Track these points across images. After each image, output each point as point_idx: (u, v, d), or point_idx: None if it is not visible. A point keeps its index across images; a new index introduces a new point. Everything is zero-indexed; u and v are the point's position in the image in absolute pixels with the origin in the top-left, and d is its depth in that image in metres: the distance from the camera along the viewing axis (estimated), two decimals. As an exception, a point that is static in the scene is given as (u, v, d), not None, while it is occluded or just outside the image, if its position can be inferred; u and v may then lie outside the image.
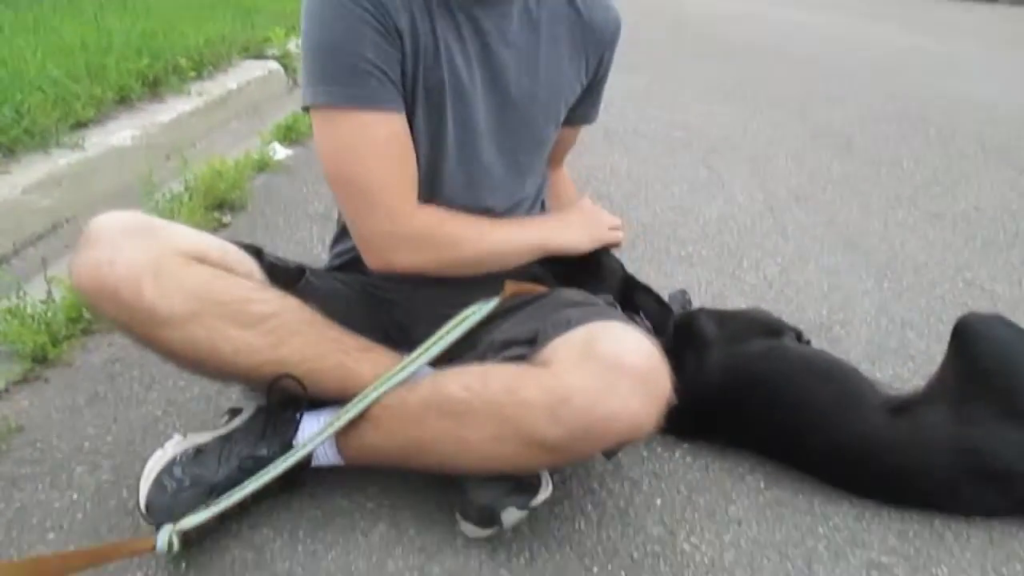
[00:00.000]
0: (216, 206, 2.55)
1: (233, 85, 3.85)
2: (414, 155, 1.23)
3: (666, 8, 8.33)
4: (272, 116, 3.72)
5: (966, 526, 1.26)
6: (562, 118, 1.40)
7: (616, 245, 1.49)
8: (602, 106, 1.48)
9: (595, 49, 1.37)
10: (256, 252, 1.27)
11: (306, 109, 1.20)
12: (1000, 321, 1.36)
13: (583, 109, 1.45)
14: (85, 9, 4.82)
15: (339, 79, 1.16)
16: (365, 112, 1.17)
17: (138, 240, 1.09)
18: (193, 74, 3.72)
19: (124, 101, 3.14)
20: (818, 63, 5.59)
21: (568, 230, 1.38)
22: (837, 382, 1.36)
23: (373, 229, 1.24)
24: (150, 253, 1.08)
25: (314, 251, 2.26)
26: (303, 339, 1.17)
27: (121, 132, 2.82)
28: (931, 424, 1.26)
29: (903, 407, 1.30)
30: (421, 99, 1.21)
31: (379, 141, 1.19)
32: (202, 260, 1.15)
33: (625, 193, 2.80)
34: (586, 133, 1.55)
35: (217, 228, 2.44)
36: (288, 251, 2.27)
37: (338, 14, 1.14)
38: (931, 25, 8.45)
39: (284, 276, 1.27)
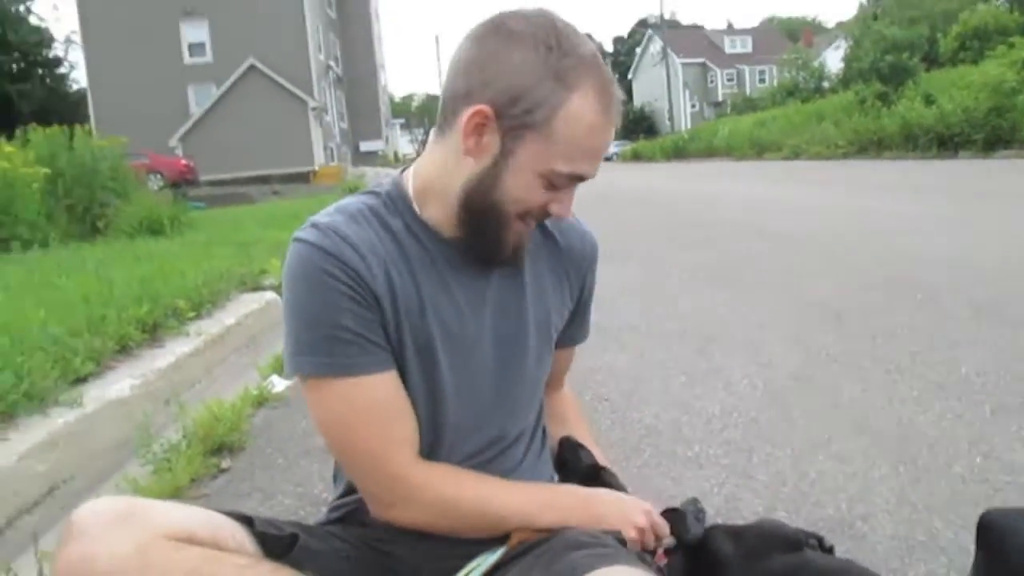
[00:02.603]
0: (215, 451, 2.53)
1: (231, 320, 3.94)
2: (409, 410, 1.23)
3: (647, 193, 8.70)
4: (270, 347, 3.78)
5: None
6: (554, 344, 1.41)
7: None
8: (593, 302, 1.49)
9: (576, 273, 1.40)
10: (247, 520, 1.23)
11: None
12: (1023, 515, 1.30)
13: (572, 330, 1.47)
14: (87, 261, 5.02)
15: (320, 350, 1.18)
16: (349, 379, 1.18)
17: (120, 530, 1.06)
18: (192, 315, 3.82)
19: (123, 350, 3.20)
20: (793, 236, 5.76)
21: (588, 516, 1.28)
22: (868, 596, 1.28)
23: (372, 489, 1.24)
24: (133, 543, 1.05)
25: (314, 490, 2.21)
26: (298, 617, 1.11)
27: (120, 383, 2.84)
28: (975, 637, 1.18)
29: (942, 619, 1.22)
30: (411, 355, 1.23)
31: (367, 406, 1.19)
32: (190, 540, 1.11)
33: (624, 392, 2.79)
34: None
35: (216, 474, 2.40)
36: (286, 492, 2.24)
37: (314, 287, 1.17)
38: (898, 187, 8.80)
39: (277, 545, 1.22)
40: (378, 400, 1.20)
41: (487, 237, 1.23)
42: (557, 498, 1.32)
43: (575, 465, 1.44)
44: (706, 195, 8.59)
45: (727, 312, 3.81)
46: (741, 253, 5.28)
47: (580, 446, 1.45)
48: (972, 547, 1.33)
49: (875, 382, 2.72)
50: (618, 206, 8.17)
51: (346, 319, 1.17)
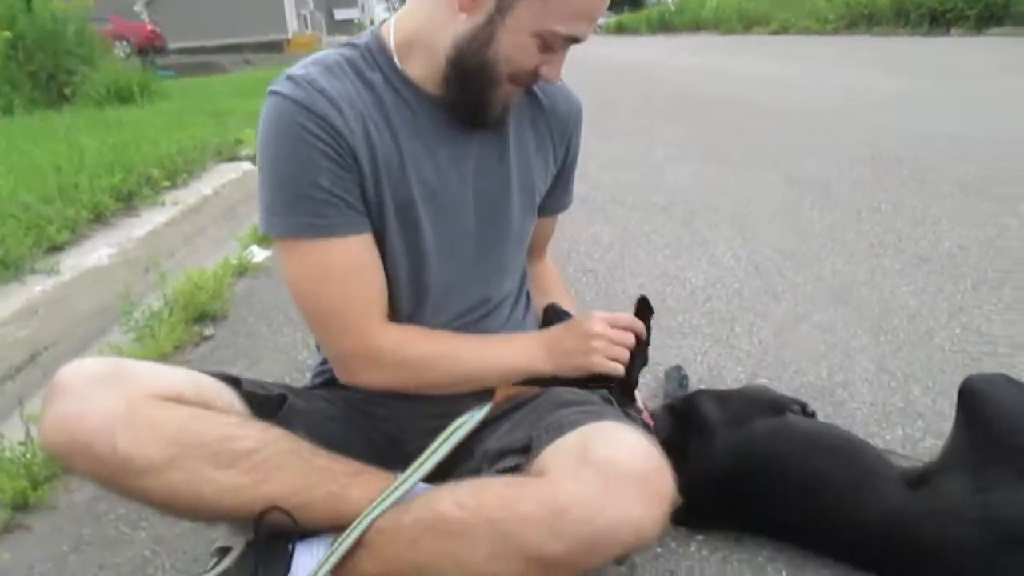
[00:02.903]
0: (197, 319, 2.51)
1: (208, 191, 3.86)
2: (380, 274, 1.22)
3: (632, 67, 8.48)
4: (248, 218, 3.71)
5: (1003, 600, 1.19)
6: (536, 209, 1.38)
7: (615, 378, 1.28)
8: (578, 174, 1.45)
9: (560, 136, 1.36)
10: (234, 382, 1.22)
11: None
12: (1006, 380, 1.32)
13: (555, 197, 1.44)
14: (57, 128, 4.86)
15: (295, 209, 1.14)
16: (323, 240, 1.15)
17: (107, 388, 1.04)
18: (167, 184, 3.73)
19: (99, 219, 3.13)
20: (785, 112, 5.67)
21: (556, 357, 1.27)
22: (849, 458, 1.31)
23: (341, 350, 1.24)
24: (121, 401, 1.04)
25: (299, 357, 2.22)
26: (289, 472, 1.11)
27: (97, 251, 2.80)
28: (951, 494, 1.21)
29: (920, 479, 1.25)
30: (391, 215, 1.19)
31: (340, 267, 1.17)
32: (177, 400, 1.10)
33: (609, 265, 2.78)
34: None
35: (199, 342, 2.40)
36: (273, 359, 2.24)
37: (290, 143, 1.12)
38: (888, 64, 8.63)
39: (265, 405, 1.22)
40: (351, 263, 1.18)
41: (474, 96, 1.18)
42: (524, 342, 1.32)
43: None
44: (693, 69, 8.38)
45: (714, 186, 3.77)
46: (728, 128, 5.20)
47: (565, 312, 1.44)
48: (949, 412, 1.35)
49: (860, 256, 2.73)
50: (603, 80, 7.97)
51: (323, 178, 1.12)
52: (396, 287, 1.24)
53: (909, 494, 1.23)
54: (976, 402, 1.28)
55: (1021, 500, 1.18)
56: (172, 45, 23.73)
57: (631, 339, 1.27)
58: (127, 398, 1.05)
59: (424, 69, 1.19)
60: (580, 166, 1.44)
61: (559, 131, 1.35)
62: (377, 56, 1.20)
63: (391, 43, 1.20)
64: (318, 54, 1.22)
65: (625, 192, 3.74)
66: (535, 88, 1.30)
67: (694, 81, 7.38)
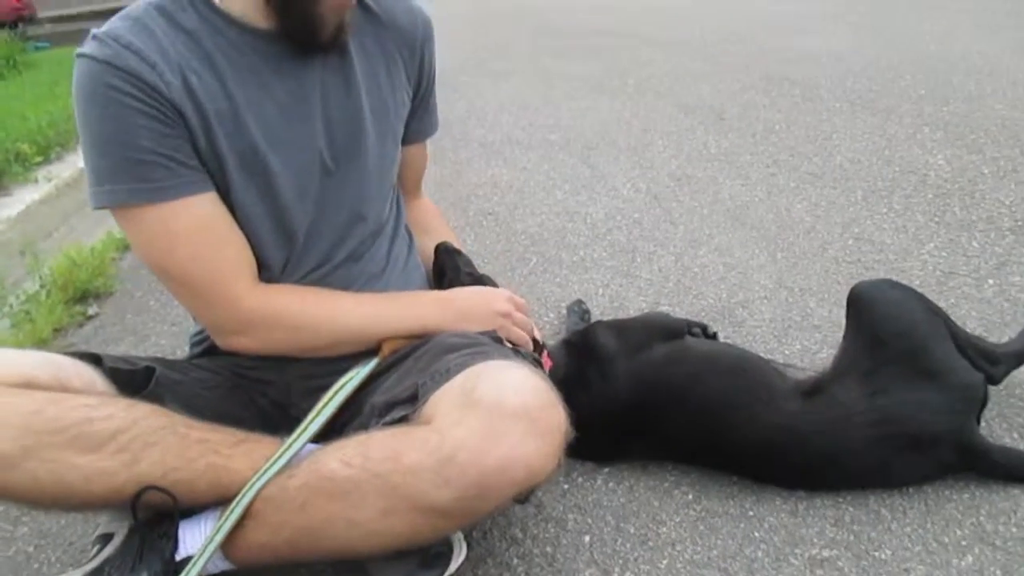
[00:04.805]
0: (79, 299, 2.37)
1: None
2: (236, 233, 1.15)
3: (522, 8, 8.34)
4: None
5: (901, 499, 1.22)
6: (400, 135, 1.31)
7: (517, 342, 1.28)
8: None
9: (409, 52, 1.29)
10: (95, 359, 1.13)
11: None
12: (889, 284, 1.34)
13: (419, 121, 1.38)
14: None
15: (121, 176, 1.06)
16: (159, 205, 1.07)
17: None
18: (39, 159, 3.50)
19: (-38, 201, 2.91)
20: (674, 41, 5.66)
21: (453, 316, 1.25)
22: (745, 375, 1.31)
23: (211, 317, 1.18)
24: None
25: (192, 330, 2.10)
26: (162, 448, 1.04)
27: (-38, 236, 2.60)
28: (844, 401, 1.22)
29: (815, 389, 1.26)
30: (234, 166, 1.11)
31: (184, 232, 1.10)
32: (29, 385, 1.01)
33: (509, 206, 2.73)
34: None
35: (83, 323, 2.26)
36: (161, 332, 2.13)
37: (103, 106, 1.04)
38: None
39: (131, 380, 1.13)
40: (196, 226, 1.10)
41: (301, 18, 1.09)
42: (416, 302, 1.28)
43: (455, 274, 1.38)
44: (585, 5, 8.29)
45: (610, 119, 3.74)
46: (624, 61, 5.16)
47: (457, 251, 1.39)
48: (844, 322, 1.36)
49: (754, 177, 2.74)
50: (494, 20, 7.82)
51: (143, 138, 1.04)
52: (259, 241, 1.17)
53: (804, 404, 1.24)
54: (863, 308, 1.29)
55: (908, 402, 1.21)
56: (45, 13, 22.29)
57: (531, 329, 1.30)
58: None
59: (243, 2, 1.10)
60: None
61: (407, 48, 1.28)
62: None
63: None
64: (126, 8, 1.12)
65: (522, 132, 3.68)
66: (372, 6, 1.23)
67: (586, 20, 7.29)
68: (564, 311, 1.89)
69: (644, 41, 5.81)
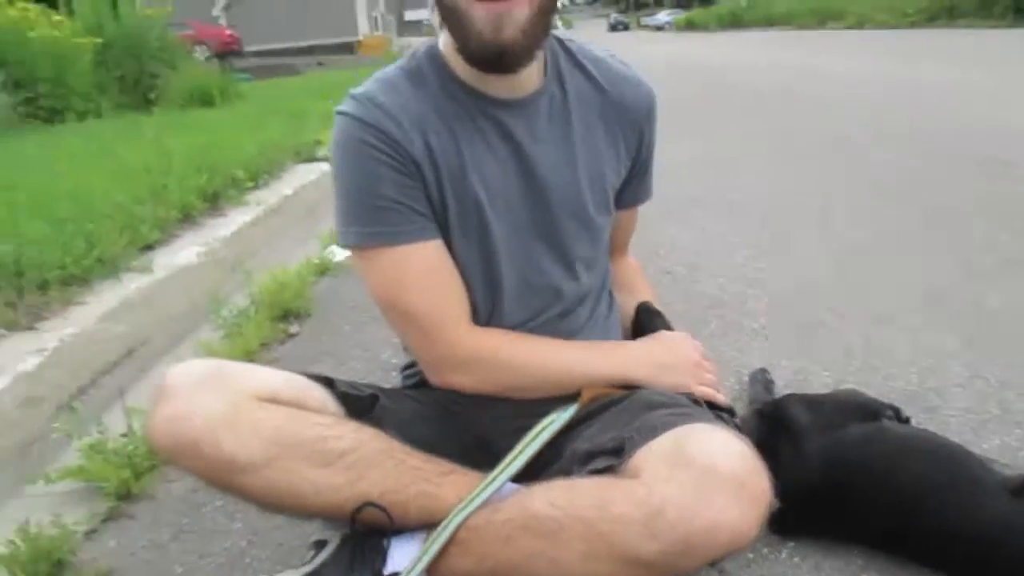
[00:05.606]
0: (282, 317, 2.58)
1: (288, 191, 3.95)
2: (457, 279, 1.25)
3: (693, 65, 8.36)
4: (327, 217, 3.76)
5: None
6: (612, 204, 1.37)
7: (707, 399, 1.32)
8: (655, 176, 1.45)
9: (631, 127, 1.35)
10: (328, 382, 1.26)
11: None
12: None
13: (633, 190, 1.43)
14: (144, 131, 5.04)
15: (364, 220, 1.20)
16: (395, 248, 1.20)
17: (211, 390, 1.09)
18: (250, 184, 3.83)
19: (187, 219, 3.24)
20: (846, 104, 5.52)
21: (651, 370, 1.31)
22: (947, 463, 1.27)
23: (429, 355, 1.28)
24: (224, 403, 1.08)
25: (382, 355, 2.25)
26: (382, 471, 1.14)
27: (186, 250, 2.89)
28: (1058, 506, 1.17)
29: (1023, 487, 1.21)
30: (456, 219, 1.23)
31: (415, 273, 1.22)
32: (274, 400, 1.14)
33: (688, 266, 2.75)
34: (641, 208, 1.51)
35: (284, 339, 2.46)
36: (355, 356, 2.29)
37: (354, 158, 1.19)
38: (961, 57, 8.31)
39: (358, 405, 1.25)
40: (425, 269, 1.22)
41: (460, 30, 1.11)
42: (618, 351, 1.35)
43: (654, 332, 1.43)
44: (766, 66, 8.22)
45: (789, 183, 3.70)
46: (799, 122, 5.09)
47: (658, 313, 1.44)
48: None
49: (944, 256, 2.64)
50: (673, 79, 7.88)
51: (386, 187, 1.17)
52: (471, 290, 1.27)
53: (1012, 502, 1.19)
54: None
55: None
56: (248, 48, 24.35)
57: (717, 385, 1.36)
58: (229, 399, 1.09)
59: (461, 66, 1.21)
60: (656, 166, 1.44)
61: (629, 122, 1.34)
62: (433, 63, 1.24)
63: (443, 49, 1.24)
64: (379, 72, 1.27)
65: (701, 192, 3.70)
66: (599, 79, 1.31)
67: (766, 78, 7.24)
68: (745, 378, 1.89)
69: (817, 103, 5.71)
